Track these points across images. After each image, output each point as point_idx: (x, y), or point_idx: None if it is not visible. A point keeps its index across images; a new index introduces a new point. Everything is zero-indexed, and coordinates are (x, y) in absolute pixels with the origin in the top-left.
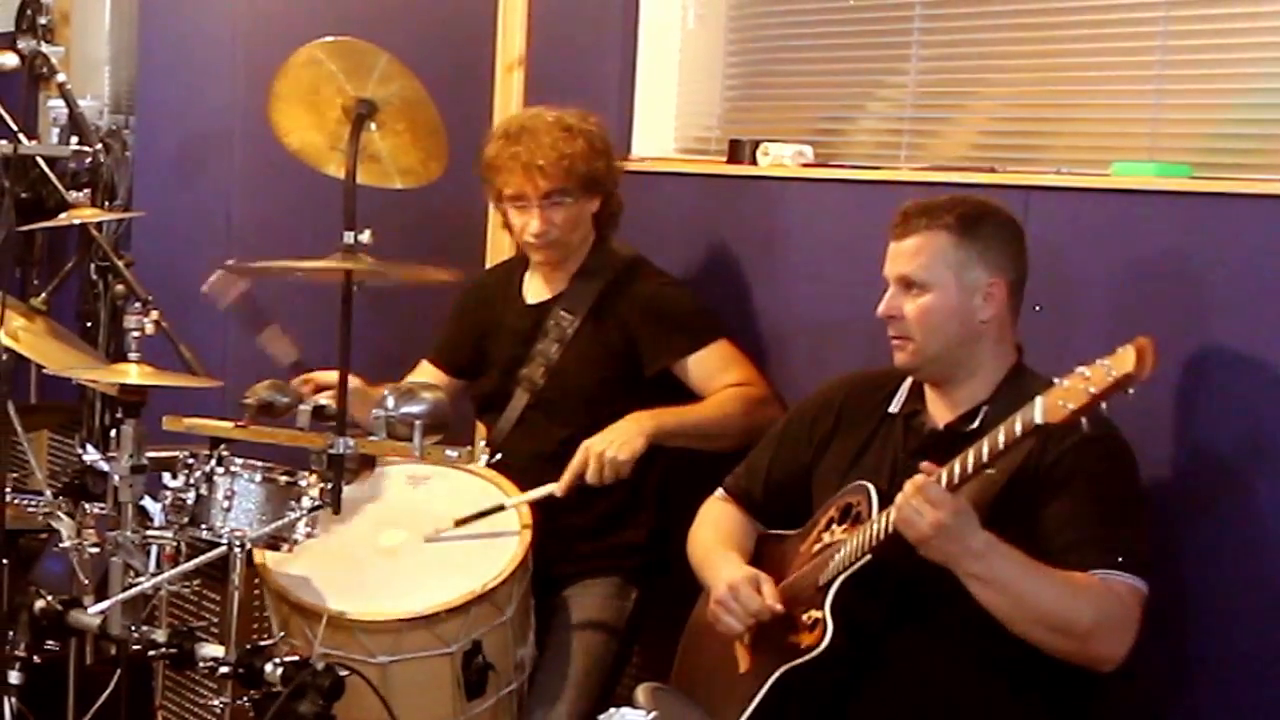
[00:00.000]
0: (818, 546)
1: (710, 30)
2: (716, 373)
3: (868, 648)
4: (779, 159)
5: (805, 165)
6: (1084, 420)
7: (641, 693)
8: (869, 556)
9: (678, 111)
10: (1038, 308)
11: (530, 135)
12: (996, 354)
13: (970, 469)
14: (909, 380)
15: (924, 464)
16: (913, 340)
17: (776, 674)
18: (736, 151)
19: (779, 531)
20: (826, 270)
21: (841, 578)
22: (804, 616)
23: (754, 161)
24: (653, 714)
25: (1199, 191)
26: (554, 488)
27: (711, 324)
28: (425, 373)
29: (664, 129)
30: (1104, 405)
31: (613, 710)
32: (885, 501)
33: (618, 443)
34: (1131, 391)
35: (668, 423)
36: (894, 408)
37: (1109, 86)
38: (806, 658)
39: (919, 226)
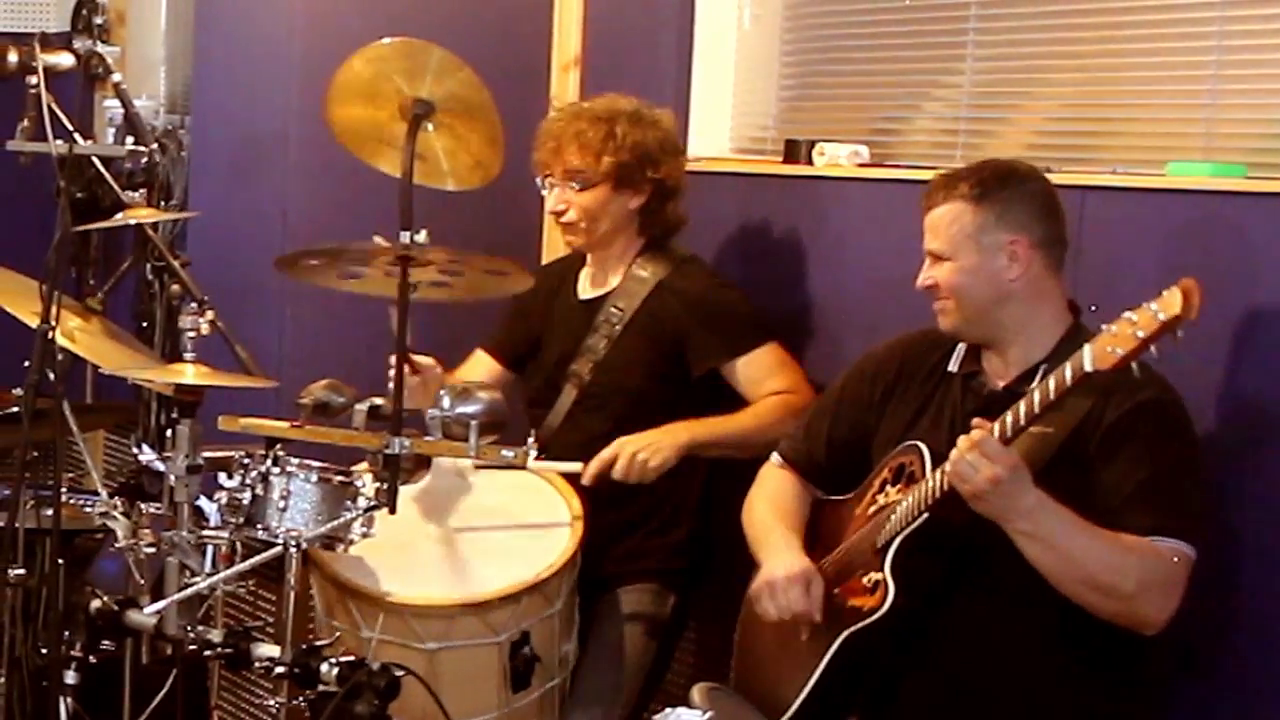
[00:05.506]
0: (873, 509)
1: (766, 30)
2: (763, 378)
3: (929, 607)
4: (834, 159)
5: (861, 165)
6: (1134, 366)
7: (697, 693)
8: (925, 515)
9: (733, 111)
10: (1093, 308)
11: (573, 114)
12: (1043, 313)
13: (1023, 421)
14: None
15: (976, 420)
16: (951, 304)
17: (840, 639)
18: (792, 151)
19: (835, 497)
20: (882, 270)
21: (899, 538)
22: (864, 579)
23: (809, 161)
24: (708, 714)
25: (1254, 191)
26: (580, 469)
27: (761, 327)
28: (480, 362)
29: (720, 129)
30: (1154, 350)
31: (668, 710)
32: (938, 460)
33: (652, 448)
34: (1180, 334)
35: (702, 435)
36: (953, 366)
37: (1164, 87)
38: (869, 620)
39: (940, 198)
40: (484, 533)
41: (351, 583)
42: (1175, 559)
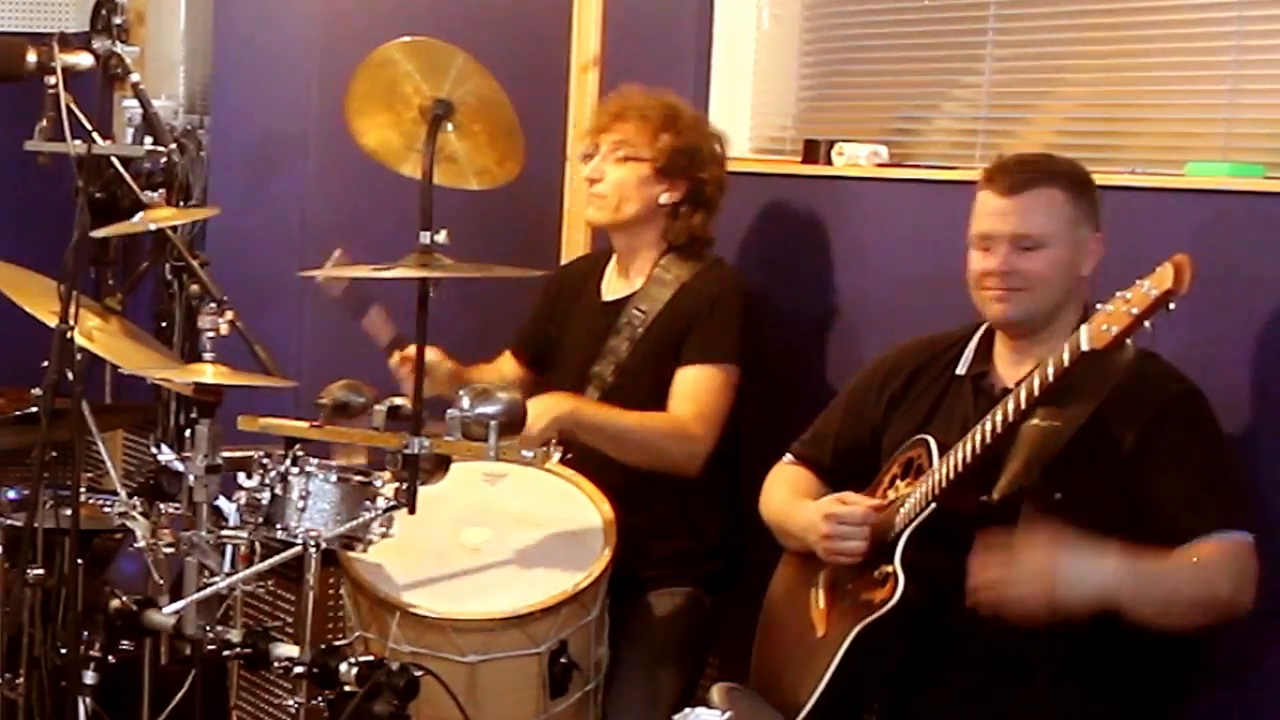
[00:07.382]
0: (883, 503)
1: (785, 30)
2: (688, 395)
3: (941, 597)
4: (854, 159)
5: (880, 165)
6: (1129, 341)
7: (716, 692)
8: (933, 505)
9: (752, 111)
10: None
11: (642, 92)
12: (1076, 309)
13: (1024, 405)
14: (974, 340)
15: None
16: (1026, 293)
17: (853, 633)
18: (811, 151)
19: None
20: (901, 269)
21: (909, 530)
22: (875, 572)
23: (829, 161)
24: (728, 714)
25: (1273, 191)
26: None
27: (735, 348)
28: (507, 364)
29: (739, 129)
30: (1148, 325)
31: (688, 710)
32: (944, 451)
33: (534, 414)
34: (1173, 308)
35: (586, 415)
36: (961, 369)
37: (1183, 87)
38: (881, 612)
39: (1031, 183)
40: (518, 542)
41: (390, 598)
42: (1244, 549)
